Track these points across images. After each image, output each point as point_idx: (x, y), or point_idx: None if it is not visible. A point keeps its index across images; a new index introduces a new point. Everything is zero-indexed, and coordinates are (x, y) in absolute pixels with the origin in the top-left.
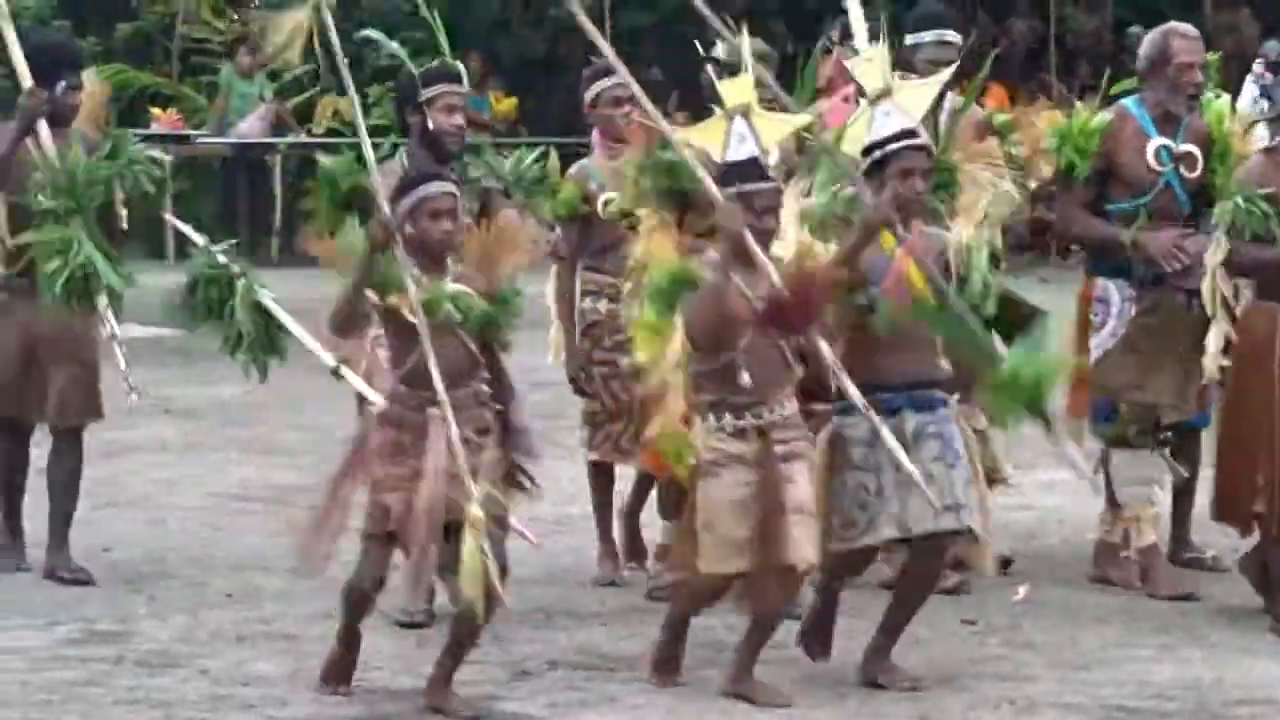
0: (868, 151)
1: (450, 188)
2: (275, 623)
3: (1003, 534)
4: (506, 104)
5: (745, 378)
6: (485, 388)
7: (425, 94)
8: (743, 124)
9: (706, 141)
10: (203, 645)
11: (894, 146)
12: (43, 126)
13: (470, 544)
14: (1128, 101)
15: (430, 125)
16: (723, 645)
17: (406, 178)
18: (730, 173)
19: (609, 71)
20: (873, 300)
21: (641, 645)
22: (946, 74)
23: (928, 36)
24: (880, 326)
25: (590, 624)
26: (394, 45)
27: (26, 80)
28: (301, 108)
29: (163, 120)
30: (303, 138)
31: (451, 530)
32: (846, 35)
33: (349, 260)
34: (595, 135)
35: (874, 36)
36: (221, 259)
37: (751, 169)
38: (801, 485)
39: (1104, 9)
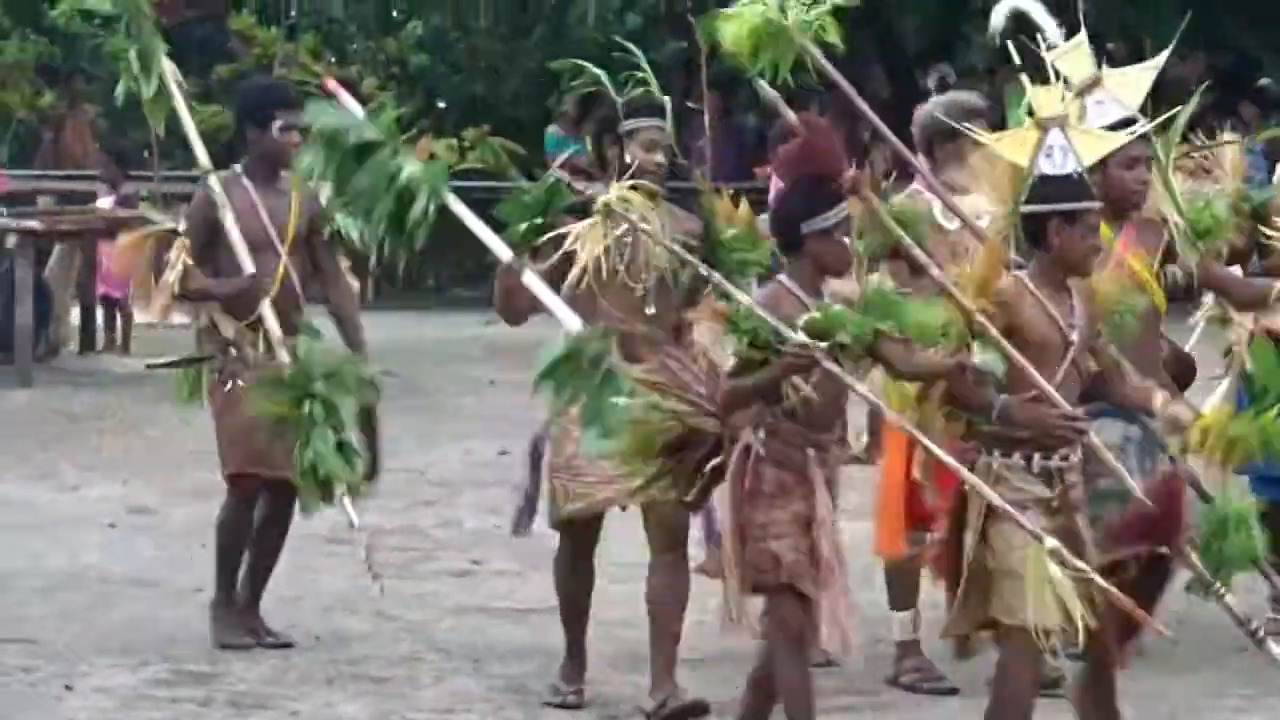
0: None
1: (847, 210)
2: (362, 664)
3: None
4: None
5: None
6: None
7: (625, 126)
8: (1059, 136)
9: (1014, 152)
10: (291, 687)
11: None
12: (266, 311)
13: (1043, 570)
14: None
15: (628, 159)
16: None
17: (797, 201)
18: (1047, 189)
19: None
20: None
21: (732, 690)
22: (1161, 59)
23: None
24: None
25: (680, 667)
26: (599, 73)
27: (204, 161)
28: None
29: None
30: None
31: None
32: (943, 83)
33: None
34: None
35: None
36: None
37: (1072, 186)
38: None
39: (1197, 56)
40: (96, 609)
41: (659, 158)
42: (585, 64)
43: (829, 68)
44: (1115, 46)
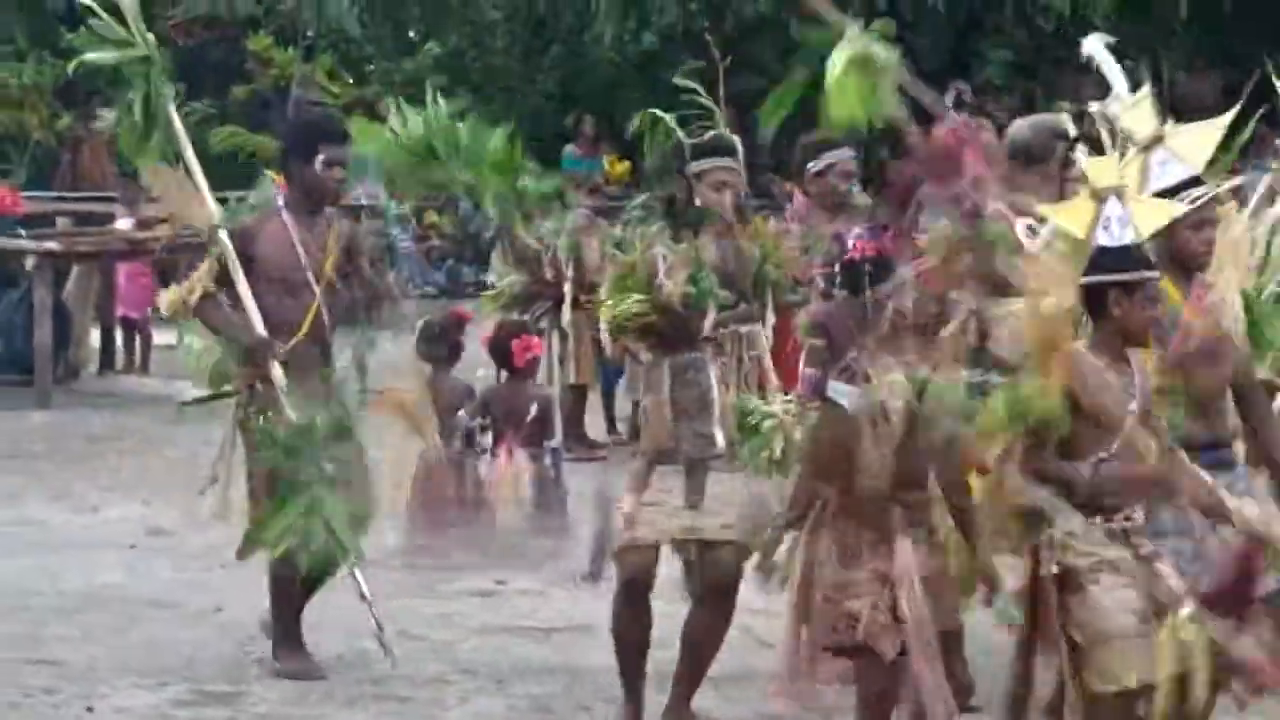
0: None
1: (909, 276)
2: (386, 685)
3: None
4: (620, 167)
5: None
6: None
7: (695, 167)
8: (1117, 207)
9: (1071, 223)
10: (314, 707)
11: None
12: (275, 370)
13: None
14: None
15: (697, 201)
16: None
17: (866, 261)
18: (1105, 260)
19: (837, 144)
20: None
21: (751, 710)
22: (1228, 118)
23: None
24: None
25: (702, 686)
26: (668, 118)
27: (215, 213)
28: None
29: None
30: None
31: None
32: (960, 99)
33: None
34: (801, 204)
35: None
36: None
37: (1130, 256)
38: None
39: (1211, 74)
40: (117, 630)
41: (729, 199)
42: (660, 114)
43: (917, 87)
44: (1135, 64)
